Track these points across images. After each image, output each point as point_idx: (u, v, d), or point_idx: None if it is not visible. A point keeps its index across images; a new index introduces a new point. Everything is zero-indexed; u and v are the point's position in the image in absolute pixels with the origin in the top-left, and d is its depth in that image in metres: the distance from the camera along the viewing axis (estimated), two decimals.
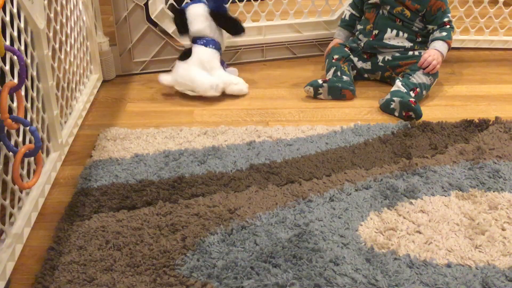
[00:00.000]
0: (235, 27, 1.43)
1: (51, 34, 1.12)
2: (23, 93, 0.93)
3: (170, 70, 1.58)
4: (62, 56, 1.21)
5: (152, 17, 1.51)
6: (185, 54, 1.43)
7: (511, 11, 1.69)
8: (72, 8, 1.30)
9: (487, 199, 1.01)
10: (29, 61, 1.00)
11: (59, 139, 1.13)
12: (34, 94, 1.02)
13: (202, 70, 1.41)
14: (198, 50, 1.42)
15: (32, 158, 0.98)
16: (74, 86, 1.31)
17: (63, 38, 1.22)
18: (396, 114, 1.34)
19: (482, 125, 1.26)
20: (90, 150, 1.20)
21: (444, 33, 1.42)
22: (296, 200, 1.02)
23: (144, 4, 1.49)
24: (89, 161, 1.15)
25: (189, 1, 1.50)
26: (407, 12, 1.43)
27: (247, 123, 1.32)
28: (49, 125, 1.10)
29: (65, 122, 1.23)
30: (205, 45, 1.43)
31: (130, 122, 1.33)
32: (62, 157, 1.16)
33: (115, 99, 1.44)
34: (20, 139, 0.94)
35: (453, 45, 1.47)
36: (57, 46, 1.17)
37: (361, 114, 1.36)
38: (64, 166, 1.15)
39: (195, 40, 1.43)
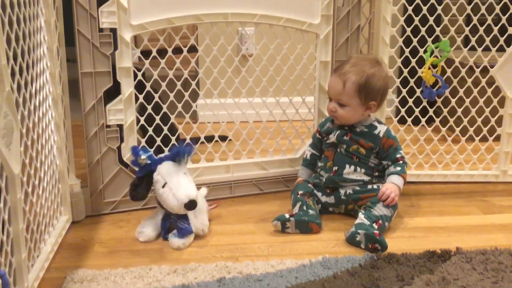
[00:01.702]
0: None
1: (25, 179, 1.15)
2: None
3: (140, 209, 1.62)
4: (34, 199, 1.23)
5: (124, 159, 1.57)
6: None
7: (459, 147, 1.83)
8: (47, 153, 1.35)
9: None
10: (1, 205, 1.01)
11: (25, 283, 1.11)
12: (4, 238, 1.02)
13: None
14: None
15: None
16: (43, 228, 1.31)
17: (36, 182, 1.25)
18: (362, 246, 1.38)
19: (444, 255, 1.31)
20: None
21: (399, 168, 1.52)
22: None
23: (117, 147, 1.56)
24: None
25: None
26: (362, 150, 1.54)
27: (217, 260, 1.32)
28: (16, 268, 1.08)
29: (32, 265, 1.21)
30: None
31: (98, 263, 1.31)
32: None
33: (84, 240, 1.44)
34: None
35: (409, 179, 1.56)
36: (29, 190, 1.20)
37: (328, 247, 1.40)
38: None
39: None
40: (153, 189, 1.42)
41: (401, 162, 1.53)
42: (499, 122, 1.80)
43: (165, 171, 1.39)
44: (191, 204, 1.35)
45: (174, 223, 1.41)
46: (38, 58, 1.30)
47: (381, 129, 1.54)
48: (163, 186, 1.38)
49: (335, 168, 1.55)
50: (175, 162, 1.41)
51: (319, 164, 1.62)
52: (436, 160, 1.83)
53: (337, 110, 1.53)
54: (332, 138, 1.57)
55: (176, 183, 1.37)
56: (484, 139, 1.82)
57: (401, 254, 1.32)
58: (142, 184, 1.42)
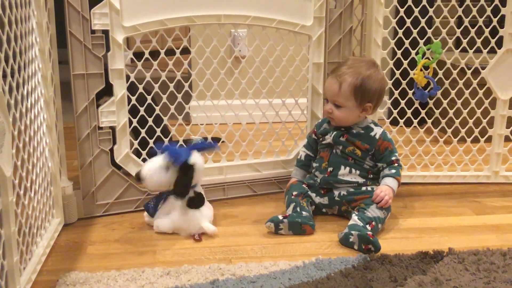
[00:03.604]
0: None
1: (16, 181, 1.14)
2: None
3: (133, 211, 1.61)
4: (26, 202, 1.22)
5: (117, 161, 1.57)
6: (200, 200, 1.48)
7: (451, 148, 1.84)
8: (39, 156, 1.34)
9: None
10: None
11: (18, 286, 1.10)
12: None
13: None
14: (202, 191, 1.52)
15: None
16: (35, 231, 1.30)
17: (28, 185, 1.24)
18: (356, 247, 1.38)
19: (437, 256, 1.31)
20: None
21: (393, 171, 1.53)
22: None
23: (109, 149, 1.55)
24: None
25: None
26: (358, 152, 1.54)
27: (210, 261, 1.32)
28: (8, 271, 1.08)
29: (24, 268, 1.21)
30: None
31: (91, 266, 1.31)
32: None
33: (76, 243, 1.43)
34: None
35: (402, 180, 1.57)
36: (21, 192, 1.19)
37: (322, 248, 1.40)
38: None
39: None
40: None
41: (396, 164, 1.54)
42: (491, 123, 1.81)
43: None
44: (136, 175, 1.45)
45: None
46: (29, 60, 1.30)
47: (377, 131, 1.55)
48: None
49: (330, 169, 1.55)
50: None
51: (314, 164, 1.62)
52: (428, 161, 1.84)
53: (334, 111, 1.53)
54: (328, 139, 1.57)
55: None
56: (475, 140, 1.84)
57: (394, 255, 1.32)
58: None
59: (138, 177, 1.44)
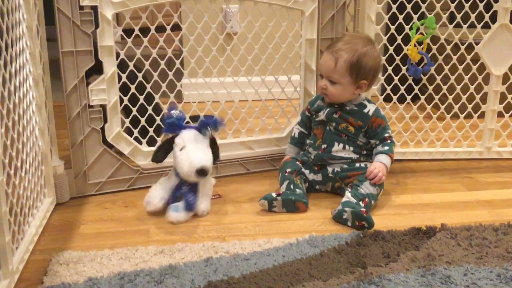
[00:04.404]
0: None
1: (6, 161, 1.13)
2: None
3: (126, 190, 1.60)
4: (17, 182, 1.21)
5: (109, 140, 1.55)
6: None
7: (444, 125, 1.83)
8: (29, 135, 1.32)
9: None
10: None
11: (10, 266, 1.10)
12: None
13: None
14: None
15: None
16: (27, 210, 1.29)
17: (19, 164, 1.23)
18: (349, 224, 1.39)
19: (429, 232, 1.32)
20: (42, 276, 1.16)
21: (386, 147, 1.53)
22: None
23: (100, 128, 1.54)
24: (41, 287, 1.11)
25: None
26: (351, 128, 1.53)
27: (204, 239, 1.32)
28: (0, 252, 1.07)
29: (17, 248, 1.20)
30: None
31: (84, 245, 1.30)
32: (12, 285, 1.11)
33: (69, 222, 1.43)
34: None
35: (395, 157, 1.57)
36: (12, 172, 1.17)
37: (315, 226, 1.40)
38: None
39: None
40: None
41: (389, 141, 1.53)
42: (484, 99, 1.80)
43: (187, 137, 1.41)
44: (202, 171, 1.36)
45: (184, 194, 1.41)
46: (17, 37, 1.27)
47: (370, 108, 1.54)
48: (181, 149, 1.39)
49: (324, 145, 1.55)
50: (200, 132, 1.42)
51: (308, 141, 1.61)
52: (421, 137, 1.83)
53: (328, 88, 1.52)
54: (322, 115, 1.56)
55: (194, 149, 1.38)
56: (468, 116, 1.83)
57: (387, 231, 1.33)
58: (164, 147, 1.44)
59: (203, 172, 1.36)
